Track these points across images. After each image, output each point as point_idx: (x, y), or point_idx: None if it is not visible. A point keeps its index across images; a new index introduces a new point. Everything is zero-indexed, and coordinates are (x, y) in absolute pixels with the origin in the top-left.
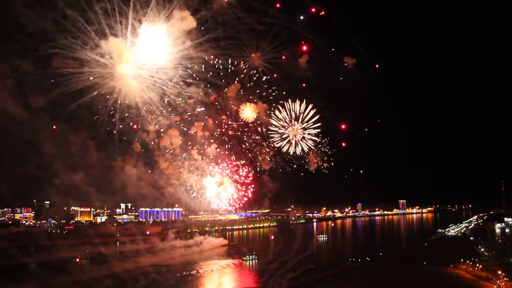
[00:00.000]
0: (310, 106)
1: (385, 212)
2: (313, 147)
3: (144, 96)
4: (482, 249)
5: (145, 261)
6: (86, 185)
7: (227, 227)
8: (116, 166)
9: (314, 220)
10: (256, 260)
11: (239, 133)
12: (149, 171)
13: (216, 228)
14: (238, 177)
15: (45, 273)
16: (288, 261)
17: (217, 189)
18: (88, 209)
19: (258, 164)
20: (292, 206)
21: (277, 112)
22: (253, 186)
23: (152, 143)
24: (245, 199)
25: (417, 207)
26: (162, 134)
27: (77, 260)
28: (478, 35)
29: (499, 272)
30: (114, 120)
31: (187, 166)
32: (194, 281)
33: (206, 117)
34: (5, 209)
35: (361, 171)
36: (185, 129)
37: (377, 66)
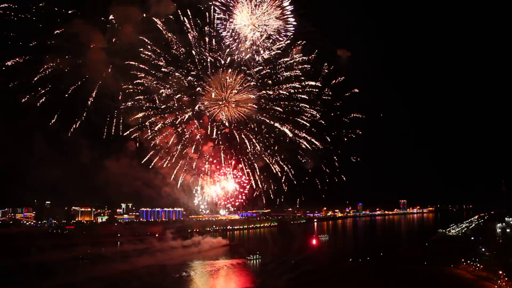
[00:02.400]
0: None
1: (386, 212)
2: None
3: (119, 86)
4: (483, 249)
5: (141, 262)
6: (65, 182)
7: (227, 227)
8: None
9: (315, 220)
10: (259, 260)
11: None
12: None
13: (217, 228)
14: (235, 176)
15: (39, 274)
16: (289, 261)
17: (215, 189)
18: (89, 209)
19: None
20: (291, 209)
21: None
22: (248, 185)
23: (137, 139)
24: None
25: (418, 207)
26: (150, 130)
27: (75, 260)
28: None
29: (500, 272)
30: (87, 112)
31: (182, 165)
32: (189, 283)
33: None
34: (6, 209)
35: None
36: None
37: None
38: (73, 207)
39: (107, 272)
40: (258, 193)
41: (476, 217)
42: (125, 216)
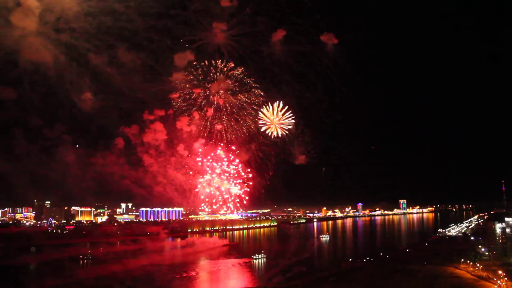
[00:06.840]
0: None
1: (386, 212)
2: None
3: (57, 62)
4: (483, 249)
5: (135, 263)
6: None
7: (227, 227)
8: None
9: (315, 220)
10: (264, 259)
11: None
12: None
13: (217, 227)
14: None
15: (29, 276)
16: (288, 261)
17: (210, 189)
18: (89, 209)
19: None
20: (291, 209)
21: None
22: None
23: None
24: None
25: (418, 207)
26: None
27: (72, 261)
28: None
29: (500, 272)
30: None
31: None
32: (179, 285)
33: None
34: (6, 209)
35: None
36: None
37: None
38: (73, 207)
39: (97, 274)
40: (252, 192)
41: (476, 217)
42: (125, 216)
